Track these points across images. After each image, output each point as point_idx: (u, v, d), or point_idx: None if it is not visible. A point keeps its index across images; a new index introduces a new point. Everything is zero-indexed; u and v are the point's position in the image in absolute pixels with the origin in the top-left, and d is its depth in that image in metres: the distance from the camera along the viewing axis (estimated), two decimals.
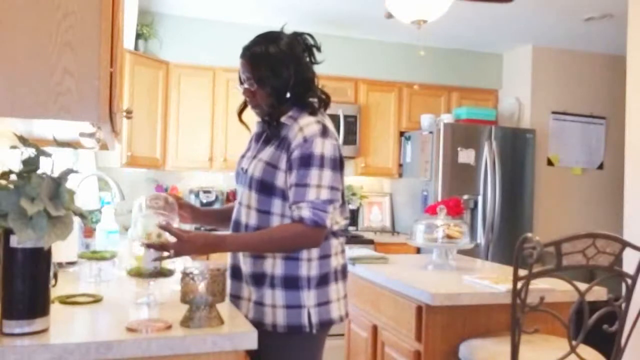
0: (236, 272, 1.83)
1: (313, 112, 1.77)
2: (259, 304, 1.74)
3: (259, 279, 1.75)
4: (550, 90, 5.22)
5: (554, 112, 5.23)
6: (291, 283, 1.72)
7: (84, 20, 1.38)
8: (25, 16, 1.35)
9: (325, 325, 1.76)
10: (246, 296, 1.79)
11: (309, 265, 1.73)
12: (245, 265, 1.78)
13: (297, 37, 1.81)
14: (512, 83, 5.38)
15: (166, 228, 1.64)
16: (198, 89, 4.50)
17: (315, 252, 1.74)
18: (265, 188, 1.74)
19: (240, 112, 1.91)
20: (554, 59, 5.22)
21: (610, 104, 5.28)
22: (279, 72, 1.74)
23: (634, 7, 3.50)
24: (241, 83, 1.83)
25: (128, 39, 3.98)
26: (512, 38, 5.04)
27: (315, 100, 1.81)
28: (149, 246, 1.63)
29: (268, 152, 1.77)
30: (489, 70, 5.48)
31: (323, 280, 1.76)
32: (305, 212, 1.66)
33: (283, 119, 1.77)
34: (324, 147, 1.69)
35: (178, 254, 1.63)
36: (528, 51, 5.19)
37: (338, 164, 1.74)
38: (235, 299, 1.82)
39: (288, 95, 1.76)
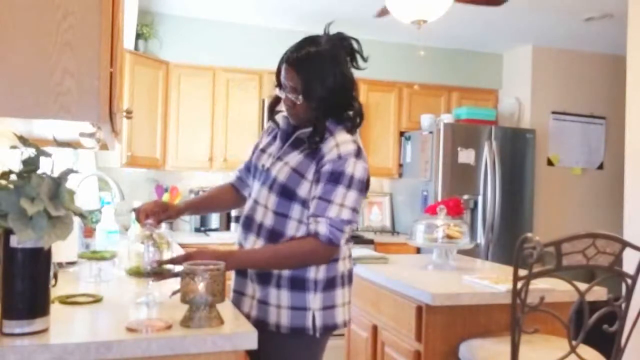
0: (242, 269, 1.80)
1: (351, 130, 1.75)
2: (264, 302, 1.74)
3: (265, 278, 1.74)
4: (550, 90, 5.22)
5: (554, 112, 5.23)
6: (298, 284, 1.71)
7: (84, 20, 1.38)
8: (25, 16, 1.35)
9: (329, 329, 1.75)
10: (250, 293, 1.78)
11: (316, 268, 1.72)
12: None
13: (342, 41, 1.76)
14: (512, 83, 5.38)
15: (172, 261, 1.62)
16: (198, 89, 4.49)
17: None
18: (287, 193, 1.72)
19: (272, 108, 1.85)
20: (554, 59, 5.22)
21: (610, 104, 5.28)
22: (325, 84, 1.69)
23: (634, 7, 3.50)
24: (280, 87, 1.77)
25: (128, 39, 3.98)
26: (512, 38, 5.04)
27: (352, 113, 1.77)
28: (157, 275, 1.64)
29: (296, 159, 1.74)
30: (489, 70, 5.48)
31: (330, 284, 1.74)
32: (322, 228, 1.64)
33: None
34: (355, 168, 1.69)
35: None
36: (528, 51, 5.20)
37: (364, 187, 1.74)
38: (239, 295, 1.82)
39: (333, 109, 1.73)
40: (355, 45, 1.79)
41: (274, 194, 1.74)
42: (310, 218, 1.67)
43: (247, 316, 1.73)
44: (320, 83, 1.68)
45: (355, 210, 1.70)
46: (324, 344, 1.80)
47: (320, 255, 1.68)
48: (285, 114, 1.82)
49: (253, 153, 1.94)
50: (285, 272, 1.71)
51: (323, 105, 1.71)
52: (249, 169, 1.95)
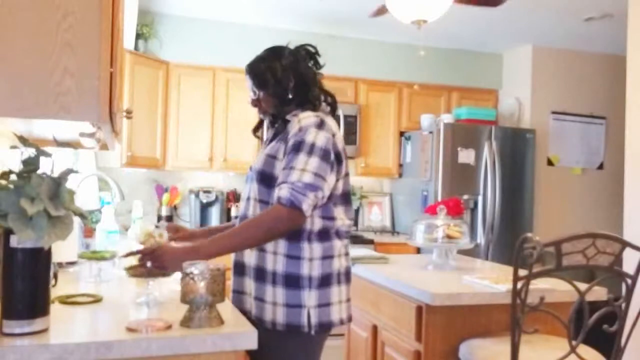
0: (239, 268, 1.85)
1: (314, 109, 1.85)
2: (260, 299, 1.76)
3: (260, 275, 1.76)
4: (550, 90, 5.22)
5: (554, 112, 5.23)
6: (292, 281, 1.73)
7: (84, 20, 1.38)
8: (25, 16, 1.35)
9: (325, 327, 1.76)
10: (248, 291, 1.81)
11: (310, 265, 1.74)
12: (250, 258, 1.79)
13: (299, 48, 1.92)
14: (512, 83, 5.38)
15: (138, 251, 1.71)
16: (198, 89, 4.49)
17: (317, 252, 1.75)
18: (265, 179, 1.79)
19: (255, 129, 2.07)
20: (554, 59, 5.22)
21: (610, 104, 5.28)
22: (278, 74, 1.85)
23: (634, 7, 3.50)
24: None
25: (128, 39, 3.98)
26: (512, 38, 5.04)
27: (319, 101, 1.88)
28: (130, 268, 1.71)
29: (271, 146, 1.83)
30: (489, 70, 5.48)
31: (325, 282, 1.76)
32: (283, 192, 1.67)
33: (288, 117, 1.84)
34: (316, 137, 1.74)
35: (156, 265, 1.66)
36: (528, 51, 5.20)
37: (330, 157, 1.74)
38: (239, 294, 1.85)
39: (290, 96, 1.85)
40: (311, 49, 1.93)
41: (255, 182, 1.82)
42: (276, 188, 1.72)
43: (249, 314, 1.76)
44: (270, 72, 1.85)
45: (318, 175, 1.69)
46: (322, 342, 1.81)
47: (284, 220, 1.67)
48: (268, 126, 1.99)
49: None
50: (280, 269, 1.73)
51: (279, 94, 1.86)
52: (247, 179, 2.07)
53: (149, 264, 1.65)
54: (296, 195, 1.65)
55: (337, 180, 1.79)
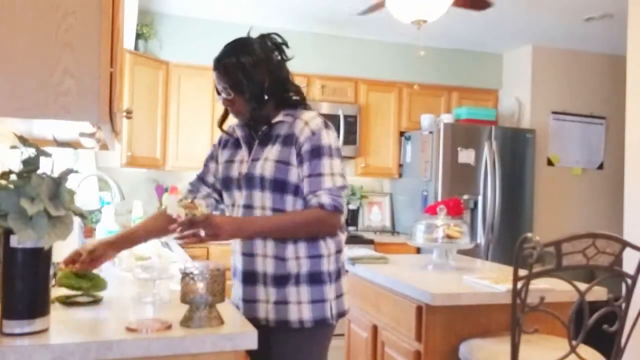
0: (249, 277, 1.81)
1: (307, 107, 1.86)
2: (283, 303, 1.76)
3: (281, 280, 1.76)
4: (550, 90, 5.22)
5: (554, 112, 5.23)
6: (316, 278, 1.77)
7: (84, 20, 1.38)
8: (25, 16, 1.35)
9: (342, 315, 1.85)
10: (263, 298, 1.79)
11: (329, 260, 1.80)
12: (267, 267, 1.77)
13: (265, 38, 1.83)
14: (512, 83, 5.38)
15: (187, 221, 1.59)
16: (198, 89, 4.49)
17: (332, 248, 1.81)
18: (278, 186, 1.76)
19: (220, 123, 1.93)
20: (554, 59, 5.22)
21: (610, 104, 5.28)
22: (253, 77, 1.76)
23: (634, 7, 3.50)
24: (219, 94, 1.83)
25: (128, 39, 3.98)
26: (512, 38, 5.04)
27: (293, 95, 1.86)
28: (180, 228, 1.60)
29: (275, 151, 1.78)
30: (489, 70, 5.48)
31: (339, 274, 1.84)
32: (325, 199, 1.72)
33: (279, 118, 1.81)
34: (330, 138, 1.78)
35: (210, 234, 1.60)
36: (528, 51, 5.20)
37: (341, 153, 1.84)
38: (251, 303, 1.81)
39: (266, 97, 1.79)
40: (277, 39, 1.84)
41: (267, 191, 1.77)
42: (309, 195, 1.74)
43: (265, 320, 1.77)
44: (245, 74, 1.75)
45: (343, 175, 1.79)
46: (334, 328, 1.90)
47: (329, 224, 1.76)
48: (236, 124, 1.92)
49: (206, 166, 1.99)
50: (304, 269, 1.76)
51: (255, 96, 1.77)
52: (206, 182, 1.97)
53: (202, 232, 1.60)
54: (337, 200, 1.73)
55: None
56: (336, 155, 1.78)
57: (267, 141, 1.82)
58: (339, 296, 1.83)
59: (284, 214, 1.77)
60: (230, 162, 1.90)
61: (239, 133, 1.90)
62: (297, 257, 1.76)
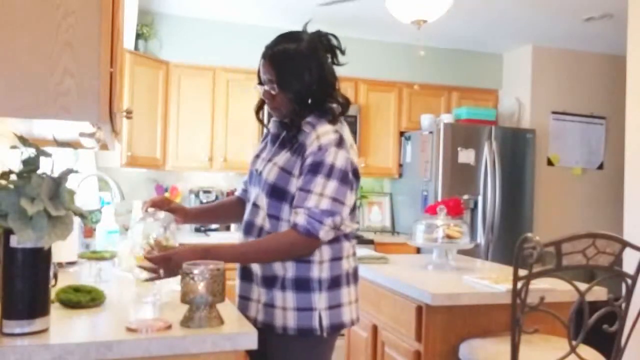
0: (246, 274, 1.79)
1: (333, 120, 1.72)
2: (269, 305, 1.71)
3: (269, 281, 1.72)
4: (550, 90, 5.22)
5: (554, 112, 5.23)
6: (302, 285, 1.69)
7: (84, 20, 1.38)
8: (25, 16, 1.35)
9: (337, 328, 1.73)
10: (255, 298, 1.76)
11: (320, 267, 1.70)
12: (256, 266, 1.75)
13: (321, 37, 1.76)
14: (512, 83, 5.38)
15: (148, 258, 1.62)
16: (198, 89, 4.49)
17: (327, 254, 1.71)
18: (276, 193, 1.71)
19: (257, 110, 1.87)
20: (554, 59, 5.22)
21: (610, 104, 5.29)
22: (302, 77, 1.69)
23: (634, 7, 3.50)
24: (260, 83, 1.77)
25: (128, 39, 3.98)
26: (512, 38, 5.04)
27: (335, 105, 1.76)
28: (142, 267, 1.66)
29: (283, 158, 1.73)
30: (489, 70, 5.48)
31: (335, 283, 1.72)
32: (300, 219, 1.62)
33: (302, 126, 1.73)
34: (336, 158, 1.66)
35: (168, 273, 1.60)
36: (528, 51, 5.20)
37: (348, 178, 1.69)
38: (245, 300, 1.79)
39: (309, 101, 1.72)
40: (333, 41, 1.78)
41: (265, 195, 1.73)
42: (292, 210, 1.66)
43: (254, 320, 1.72)
44: (295, 76, 1.69)
45: (336, 200, 1.64)
46: (332, 344, 1.79)
47: (299, 248, 1.65)
48: (274, 119, 1.84)
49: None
50: (290, 274, 1.69)
51: (300, 98, 1.71)
52: (250, 179, 1.94)
53: (162, 272, 1.59)
54: (313, 223, 1.61)
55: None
56: (336, 177, 1.64)
57: (285, 145, 1.76)
58: (334, 306, 1.71)
59: (255, 241, 1.73)
60: (257, 156, 1.86)
61: (272, 129, 1.84)
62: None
